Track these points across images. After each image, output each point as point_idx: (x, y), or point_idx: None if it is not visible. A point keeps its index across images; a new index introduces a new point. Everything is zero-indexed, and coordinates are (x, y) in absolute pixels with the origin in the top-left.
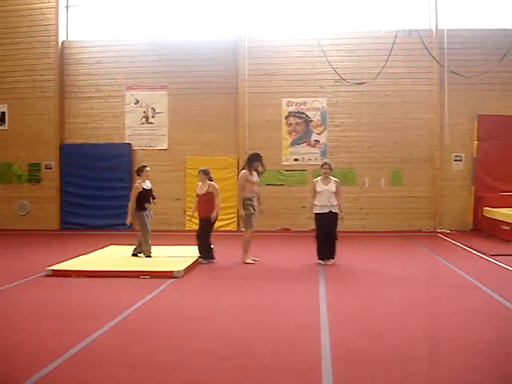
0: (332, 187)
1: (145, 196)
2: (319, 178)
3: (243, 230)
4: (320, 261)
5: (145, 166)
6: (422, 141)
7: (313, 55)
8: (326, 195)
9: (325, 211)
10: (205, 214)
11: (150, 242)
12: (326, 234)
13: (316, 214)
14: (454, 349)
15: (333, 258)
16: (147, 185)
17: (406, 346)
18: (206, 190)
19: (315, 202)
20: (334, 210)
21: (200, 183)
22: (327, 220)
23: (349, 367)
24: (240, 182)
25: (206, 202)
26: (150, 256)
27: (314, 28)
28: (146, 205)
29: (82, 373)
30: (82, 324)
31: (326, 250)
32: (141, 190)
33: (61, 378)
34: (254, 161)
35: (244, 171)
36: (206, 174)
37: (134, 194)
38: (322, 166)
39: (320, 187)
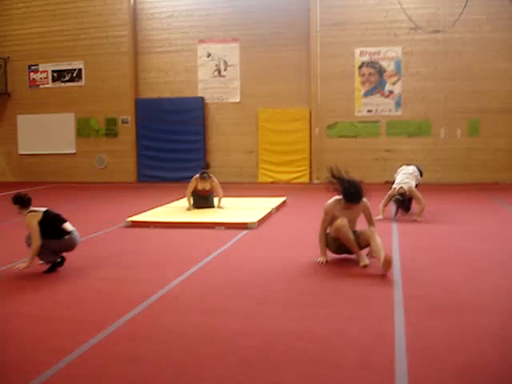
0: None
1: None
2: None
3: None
4: None
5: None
6: (502, 90)
7: (387, 2)
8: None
9: None
10: None
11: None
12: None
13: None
14: None
15: None
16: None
17: (478, 299)
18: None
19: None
20: None
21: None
22: None
23: (421, 317)
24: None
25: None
26: None
27: None
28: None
29: (162, 318)
30: (160, 273)
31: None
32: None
33: (143, 323)
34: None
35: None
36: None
37: None
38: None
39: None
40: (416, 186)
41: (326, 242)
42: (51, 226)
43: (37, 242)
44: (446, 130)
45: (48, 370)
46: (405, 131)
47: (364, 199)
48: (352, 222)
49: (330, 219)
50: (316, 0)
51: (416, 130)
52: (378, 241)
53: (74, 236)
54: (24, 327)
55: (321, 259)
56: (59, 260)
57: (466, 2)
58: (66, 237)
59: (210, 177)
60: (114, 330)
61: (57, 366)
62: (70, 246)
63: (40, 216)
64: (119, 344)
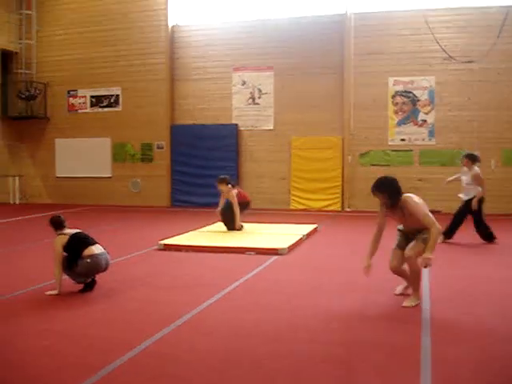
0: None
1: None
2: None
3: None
4: None
5: None
6: None
7: (420, 32)
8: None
9: None
10: None
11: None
12: None
13: None
14: None
15: None
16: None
17: (506, 327)
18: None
19: None
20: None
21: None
22: None
23: (447, 344)
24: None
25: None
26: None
27: (422, 4)
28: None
29: (191, 339)
30: (190, 295)
31: None
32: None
33: (171, 343)
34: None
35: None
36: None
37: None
38: None
39: None
40: (471, 199)
41: (377, 246)
42: (75, 249)
43: (56, 267)
44: (480, 159)
45: None
46: (438, 160)
47: (407, 195)
48: (406, 227)
49: (382, 220)
50: (350, 29)
51: (449, 159)
52: (412, 267)
53: (97, 259)
54: (56, 344)
55: (365, 268)
56: (89, 281)
57: (499, 33)
58: (87, 260)
59: (223, 181)
60: (143, 349)
61: (87, 382)
62: (93, 269)
63: (65, 239)
64: (147, 362)
